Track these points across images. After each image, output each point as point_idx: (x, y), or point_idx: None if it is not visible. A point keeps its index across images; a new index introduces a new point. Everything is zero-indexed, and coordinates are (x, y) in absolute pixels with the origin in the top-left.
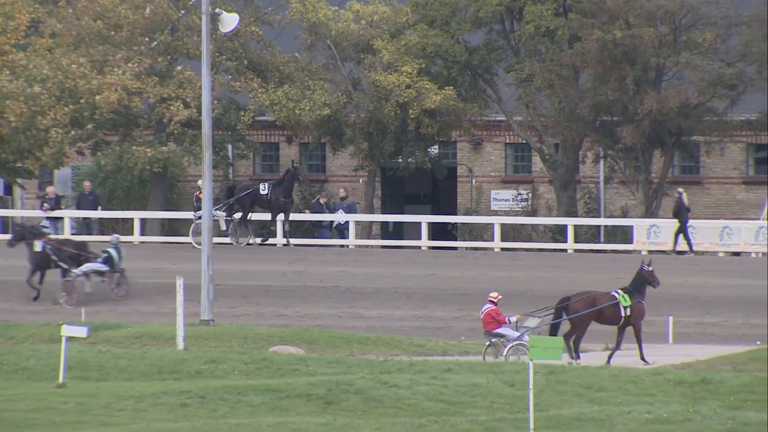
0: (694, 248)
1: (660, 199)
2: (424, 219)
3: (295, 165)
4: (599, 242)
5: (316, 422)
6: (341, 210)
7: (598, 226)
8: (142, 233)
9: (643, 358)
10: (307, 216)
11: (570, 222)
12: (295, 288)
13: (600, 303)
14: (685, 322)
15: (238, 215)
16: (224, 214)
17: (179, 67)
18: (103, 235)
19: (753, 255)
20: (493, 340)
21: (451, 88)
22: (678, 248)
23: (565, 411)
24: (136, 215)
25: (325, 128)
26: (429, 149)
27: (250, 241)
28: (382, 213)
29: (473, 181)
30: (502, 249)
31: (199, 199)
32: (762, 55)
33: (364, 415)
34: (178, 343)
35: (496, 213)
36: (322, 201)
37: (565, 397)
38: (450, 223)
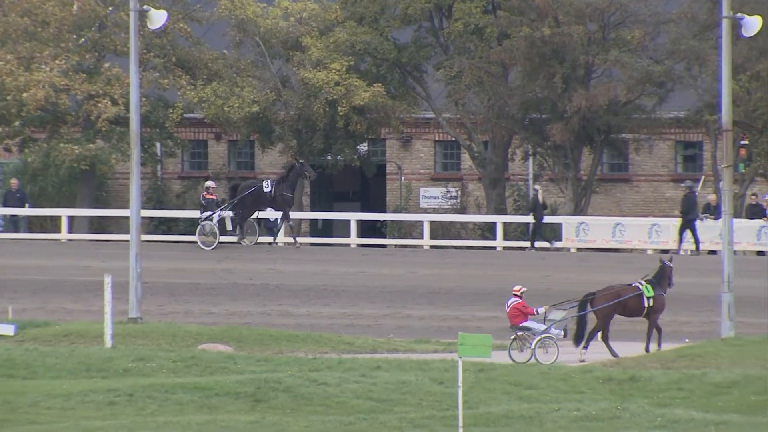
0: (594, 245)
1: (589, 196)
2: (353, 216)
3: (300, 161)
4: (528, 239)
5: (244, 420)
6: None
7: (528, 224)
8: (71, 231)
9: (647, 350)
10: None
11: (499, 219)
12: (224, 286)
13: (623, 295)
14: (614, 319)
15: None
16: (230, 213)
17: (107, 64)
18: (30, 232)
19: (681, 252)
20: (518, 333)
21: (380, 85)
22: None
23: (494, 408)
24: (64, 213)
25: (254, 126)
26: (358, 147)
27: (258, 241)
28: (311, 210)
29: (402, 178)
30: (432, 247)
31: (206, 200)
32: (690, 52)
33: (292, 413)
34: (106, 341)
35: (425, 210)
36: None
37: (495, 395)
38: (379, 220)
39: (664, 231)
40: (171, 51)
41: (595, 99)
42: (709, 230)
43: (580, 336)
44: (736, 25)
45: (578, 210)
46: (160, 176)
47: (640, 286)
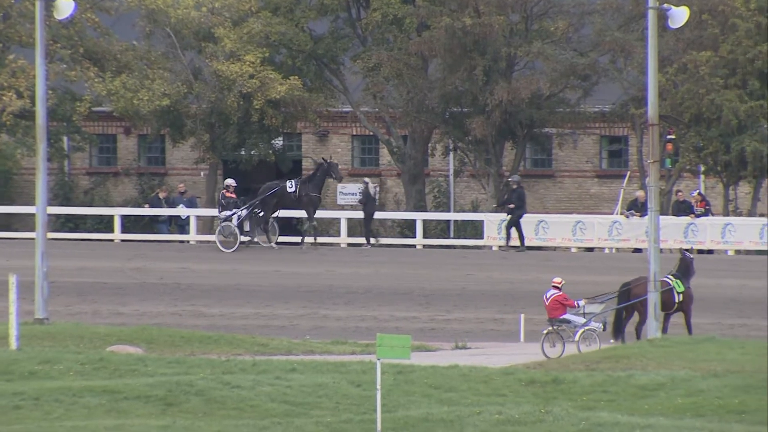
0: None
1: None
2: None
3: (328, 161)
4: (449, 237)
5: (155, 424)
6: (182, 205)
7: (448, 221)
8: None
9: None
10: (146, 211)
11: (419, 216)
12: (133, 285)
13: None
14: (537, 320)
15: (261, 215)
16: (246, 213)
17: (12, 56)
18: None
19: (606, 250)
20: (555, 327)
21: (296, 78)
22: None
23: (413, 412)
24: None
25: (165, 119)
26: (273, 141)
27: (273, 244)
28: None
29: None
30: (349, 244)
31: (226, 198)
32: (615, 44)
33: (205, 416)
34: (11, 343)
35: (342, 207)
36: (161, 195)
37: (414, 398)
38: (295, 217)
39: (589, 228)
40: (79, 42)
41: (517, 92)
42: (635, 227)
43: (618, 329)
44: (663, 16)
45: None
46: (68, 172)
47: (671, 281)
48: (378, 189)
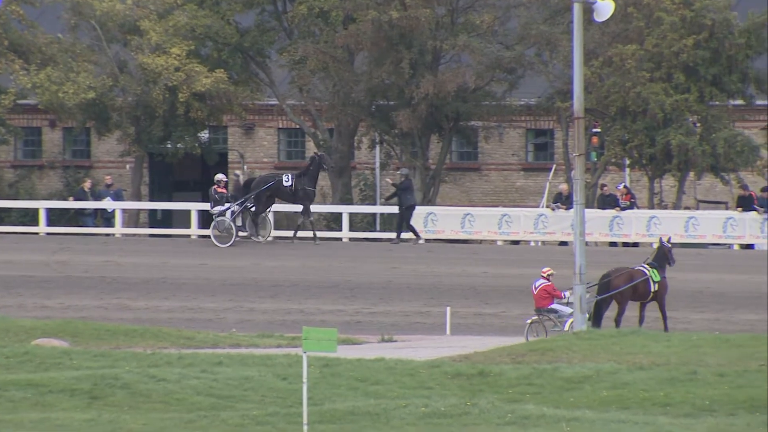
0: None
1: (437, 185)
2: (194, 207)
3: (319, 154)
4: (375, 230)
5: (80, 418)
6: (109, 198)
7: (374, 214)
8: None
9: (666, 329)
10: (71, 204)
11: (345, 210)
12: (58, 278)
13: (635, 278)
14: (463, 312)
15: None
16: (239, 208)
17: None
18: None
19: (532, 243)
20: (542, 316)
21: (222, 71)
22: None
23: (339, 405)
24: None
25: (90, 112)
26: (199, 134)
27: (270, 237)
28: (150, 200)
29: (245, 167)
30: (275, 237)
31: (218, 193)
32: (541, 37)
33: (130, 410)
34: None
35: None
36: (86, 188)
37: (340, 391)
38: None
39: (515, 221)
40: (3, 34)
41: (443, 85)
42: (560, 220)
43: (597, 319)
44: (588, 10)
45: (426, 200)
46: None
47: (647, 271)
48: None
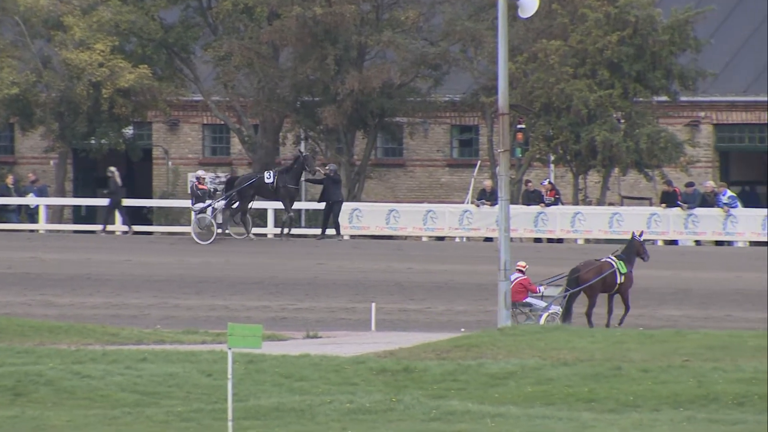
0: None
1: (362, 181)
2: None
3: (304, 154)
4: (301, 227)
5: (4, 415)
6: (33, 194)
7: (300, 210)
8: None
9: (621, 322)
10: None
11: (270, 206)
12: None
13: (604, 271)
14: (388, 308)
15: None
16: (223, 205)
17: None
18: None
19: (458, 240)
20: (516, 310)
21: (146, 66)
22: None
23: (264, 401)
24: None
25: (14, 108)
26: (123, 130)
27: (251, 235)
28: (74, 197)
29: (170, 163)
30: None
31: (200, 190)
32: (465, 33)
33: (54, 407)
34: None
35: None
36: (10, 184)
37: (265, 387)
38: (145, 207)
39: (440, 217)
40: None
41: (368, 81)
42: (485, 216)
43: (568, 313)
44: (513, 6)
45: (351, 196)
46: None
47: (614, 263)
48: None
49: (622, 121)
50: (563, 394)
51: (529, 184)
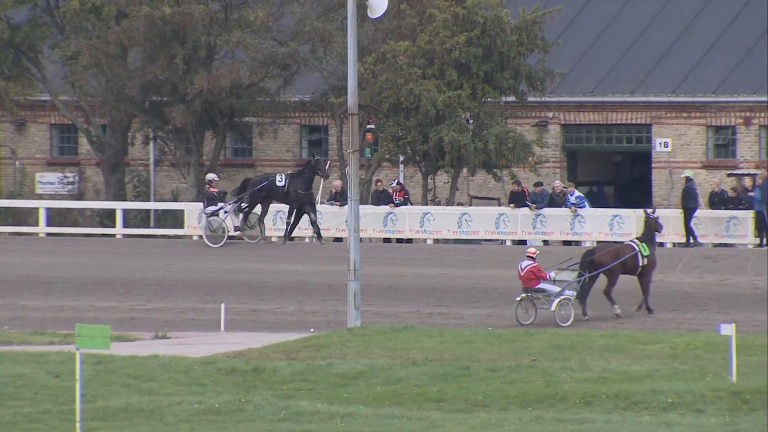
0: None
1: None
2: None
3: (316, 158)
4: (150, 227)
5: None
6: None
7: (149, 210)
8: None
9: (648, 308)
10: None
11: (119, 206)
12: None
13: (623, 254)
14: (238, 309)
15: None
16: (234, 207)
17: None
18: None
19: (307, 240)
20: (530, 295)
21: None
22: None
23: (113, 402)
24: None
25: None
26: None
27: (264, 238)
28: None
29: (17, 163)
30: (48, 234)
31: (210, 193)
32: (315, 33)
33: None
34: None
35: (41, 197)
36: None
37: (114, 388)
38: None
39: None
40: None
41: (217, 81)
42: (335, 216)
43: (583, 295)
44: (362, 6)
45: (200, 196)
46: None
47: (636, 245)
48: (77, 178)
49: (471, 121)
50: (412, 394)
51: (379, 183)
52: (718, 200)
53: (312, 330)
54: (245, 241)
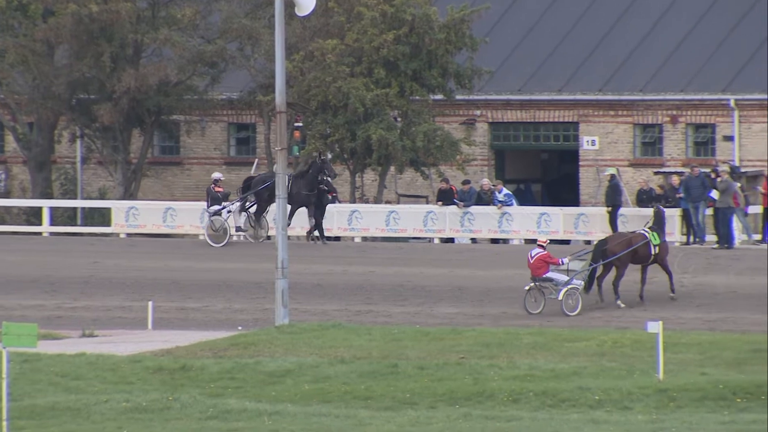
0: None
1: (139, 180)
2: None
3: (322, 158)
4: (77, 225)
5: None
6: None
7: (76, 208)
8: None
9: (672, 290)
10: None
11: (46, 204)
12: None
13: (635, 243)
14: (165, 307)
15: (253, 209)
16: (238, 207)
17: None
18: None
19: (236, 238)
20: (538, 284)
21: None
22: None
23: (40, 400)
24: None
25: None
26: None
27: (268, 237)
28: None
29: None
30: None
31: (215, 192)
32: (242, 31)
33: None
34: None
35: None
36: None
37: (40, 386)
38: None
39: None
40: None
41: (144, 79)
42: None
43: (591, 284)
44: (290, 4)
45: (128, 194)
46: None
47: (647, 234)
48: (3, 176)
49: (399, 119)
50: (340, 392)
51: None
52: (646, 198)
53: (240, 328)
54: (248, 240)
